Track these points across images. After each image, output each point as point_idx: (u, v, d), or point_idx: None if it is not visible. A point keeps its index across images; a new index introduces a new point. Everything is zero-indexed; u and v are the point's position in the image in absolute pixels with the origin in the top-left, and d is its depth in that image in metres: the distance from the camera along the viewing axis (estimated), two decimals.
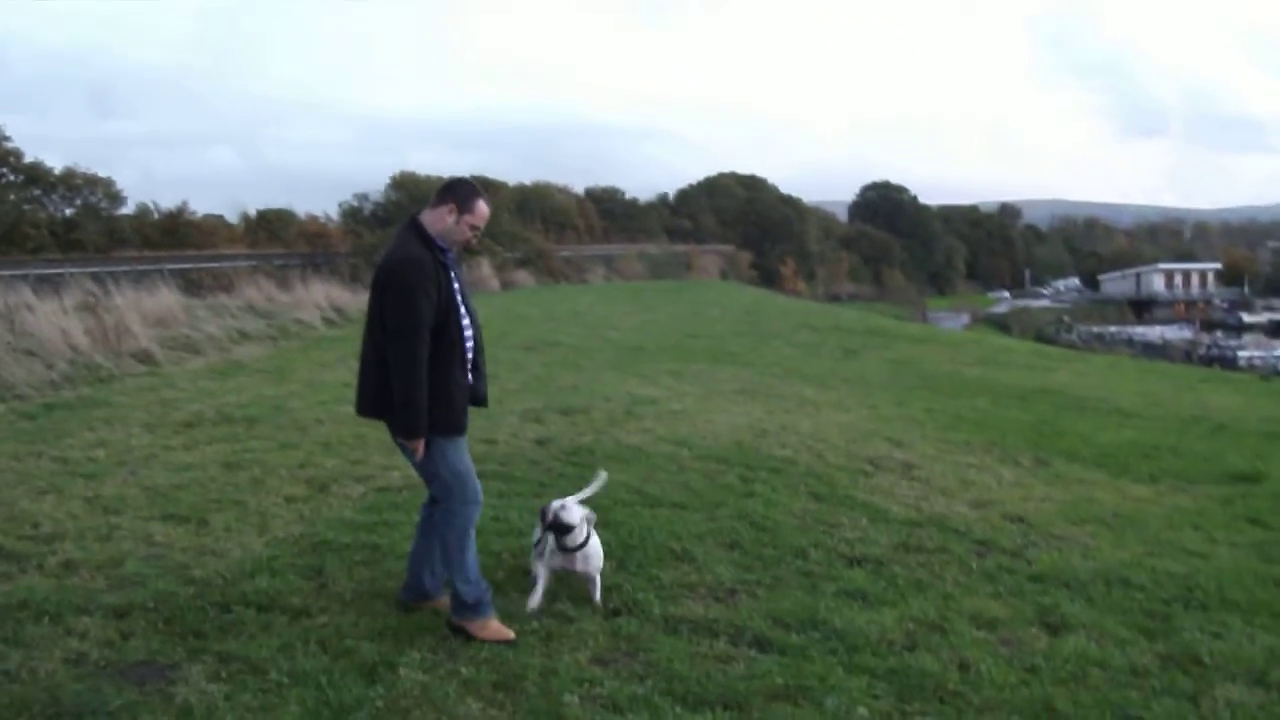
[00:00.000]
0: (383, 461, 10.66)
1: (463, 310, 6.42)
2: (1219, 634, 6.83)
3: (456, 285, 6.40)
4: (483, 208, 6.46)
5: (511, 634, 6.33)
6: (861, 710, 5.48)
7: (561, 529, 6.73)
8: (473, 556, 6.46)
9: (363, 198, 60.71)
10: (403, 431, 6.21)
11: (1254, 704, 5.78)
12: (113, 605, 6.60)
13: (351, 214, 60.13)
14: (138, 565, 7.41)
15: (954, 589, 7.48)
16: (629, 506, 9.13)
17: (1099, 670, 6.14)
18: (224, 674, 5.65)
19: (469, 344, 6.50)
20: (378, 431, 11.90)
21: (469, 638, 6.24)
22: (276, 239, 54.58)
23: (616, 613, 6.73)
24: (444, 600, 6.61)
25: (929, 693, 5.74)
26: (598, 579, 6.93)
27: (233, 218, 61.70)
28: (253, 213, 59.93)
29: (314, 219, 60.35)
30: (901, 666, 6.01)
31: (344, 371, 18.41)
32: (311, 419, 13.16)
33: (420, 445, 6.23)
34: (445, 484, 6.38)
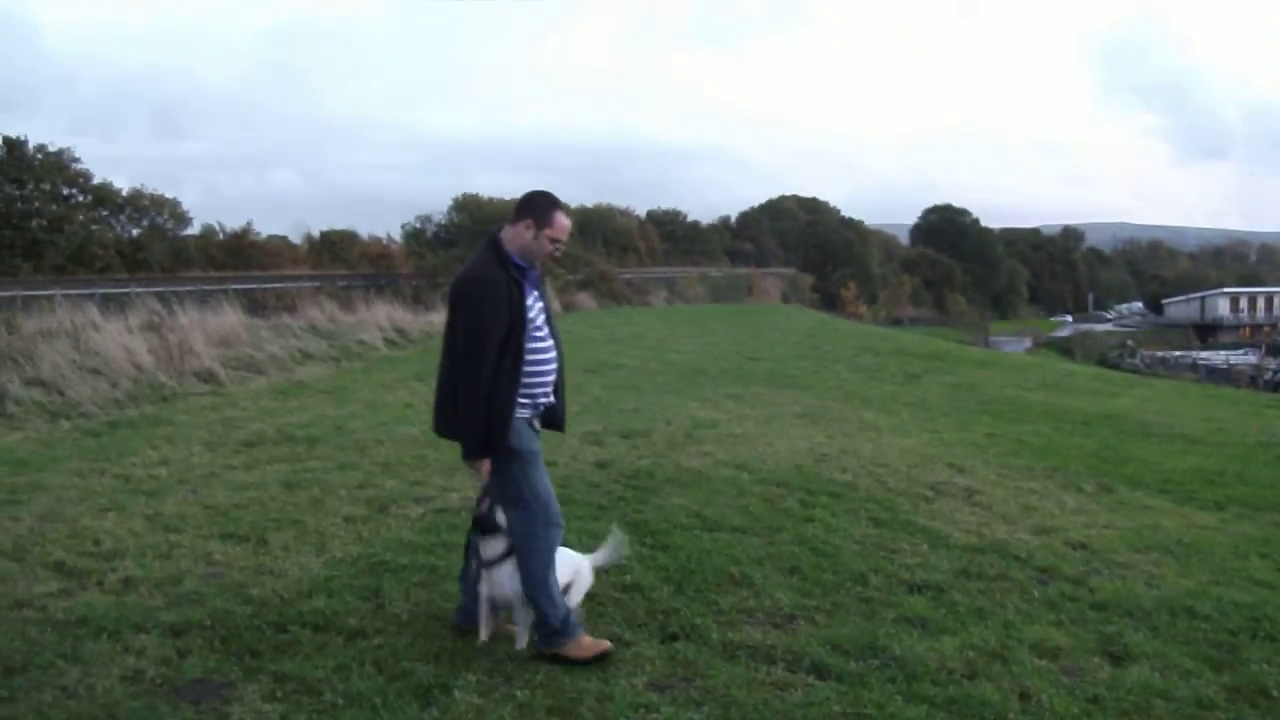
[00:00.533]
0: (442, 483, 10.71)
1: (544, 330, 6.40)
2: None
3: (539, 304, 6.40)
4: (562, 220, 6.41)
5: (608, 644, 6.37)
6: None
7: (487, 526, 6.51)
8: (554, 579, 6.44)
9: (425, 219, 61.36)
10: (466, 452, 6.21)
11: None
12: (170, 623, 6.68)
13: (414, 235, 60.69)
14: (196, 583, 7.49)
15: (1015, 616, 7.39)
16: (688, 530, 9.11)
17: (1163, 702, 6.03)
18: (279, 694, 5.69)
19: (549, 365, 6.46)
20: (438, 452, 12.01)
21: (569, 662, 6.23)
22: (340, 260, 54.93)
23: (674, 637, 6.73)
24: (503, 623, 6.59)
25: None
26: (520, 614, 6.58)
27: (296, 239, 62.21)
28: (316, 234, 60.44)
29: (377, 240, 60.83)
30: (961, 695, 5.95)
31: (404, 393, 18.50)
32: (372, 439, 13.21)
33: (484, 466, 6.23)
34: (522, 507, 6.35)
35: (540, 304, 6.41)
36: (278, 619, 6.75)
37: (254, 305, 31.25)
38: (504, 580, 6.46)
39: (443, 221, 60.23)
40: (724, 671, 6.20)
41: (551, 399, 6.56)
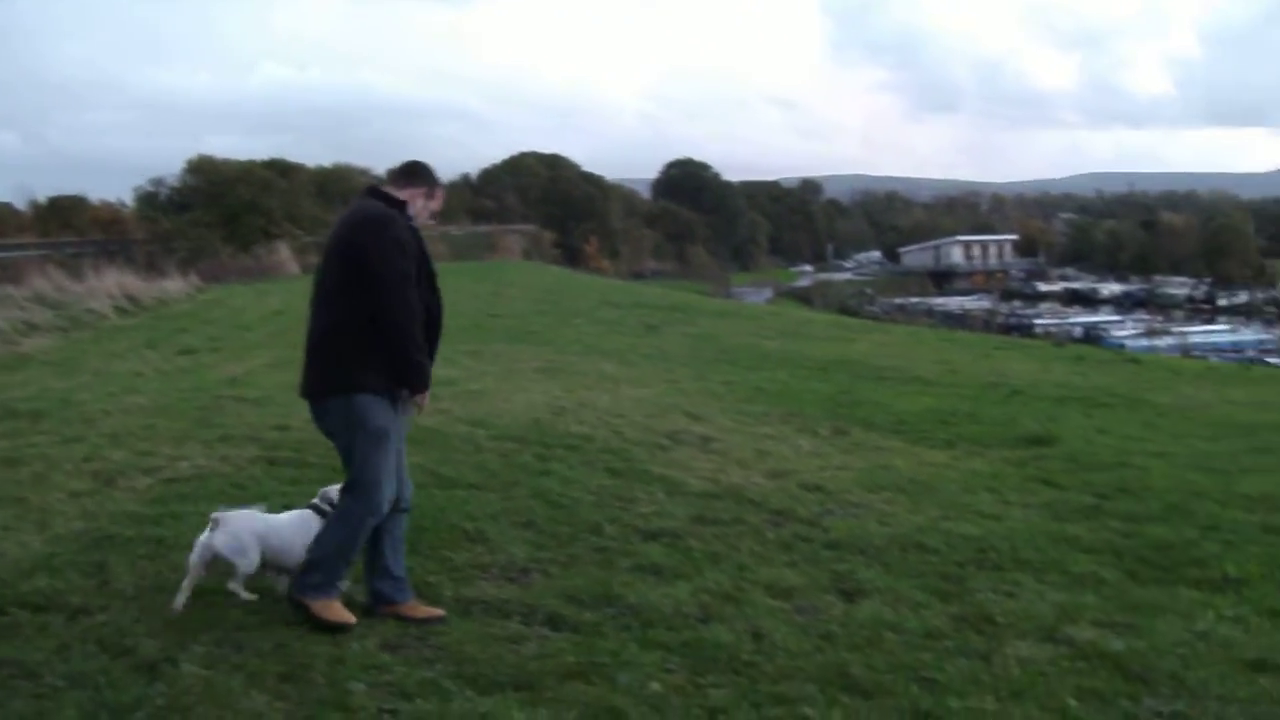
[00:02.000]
0: (171, 452, 10.34)
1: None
2: (1011, 593, 6.89)
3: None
4: (442, 193, 6.47)
5: (352, 619, 6.14)
6: (655, 685, 5.40)
7: None
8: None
9: (158, 183, 59.78)
10: (416, 384, 6.13)
11: (1044, 659, 5.81)
12: None
13: (147, 200, 59.11)
14: None
15: (750, 559, 7.44)
16: (422, 489, 8.89)
17: (893, 634, 6.12)
18: None
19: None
20: (168, 420, 11.63)
21: (309, 616, 6.06)
22: (69, 227, 53.22)
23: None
24: (409, 606, 6.38)
25: (723, 664, 5.67)
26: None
27: (20, 205, 60.09)
28: (43, 200, 58.46)
29: (108, 205, 59.16)
30: (695, 639, 5.95)
31: (136, 361, 18.03)
32: (99, 411, 12.68)
33: (425, 398, 6.24)
34: (352, 486, 6.22)
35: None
36: None
37: None
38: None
39: (176, 185, 58.61)
40: (458, 628, 6.11)
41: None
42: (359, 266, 5.95)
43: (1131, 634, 6.21)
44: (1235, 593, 7.00)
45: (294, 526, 6.58)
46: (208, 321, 26.02)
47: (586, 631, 6.09)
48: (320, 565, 6.14)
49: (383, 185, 6.38)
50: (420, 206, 6.32)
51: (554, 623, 6.22)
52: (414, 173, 6.38)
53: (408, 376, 6.08)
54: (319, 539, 6.23)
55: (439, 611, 6.34)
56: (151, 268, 37.21)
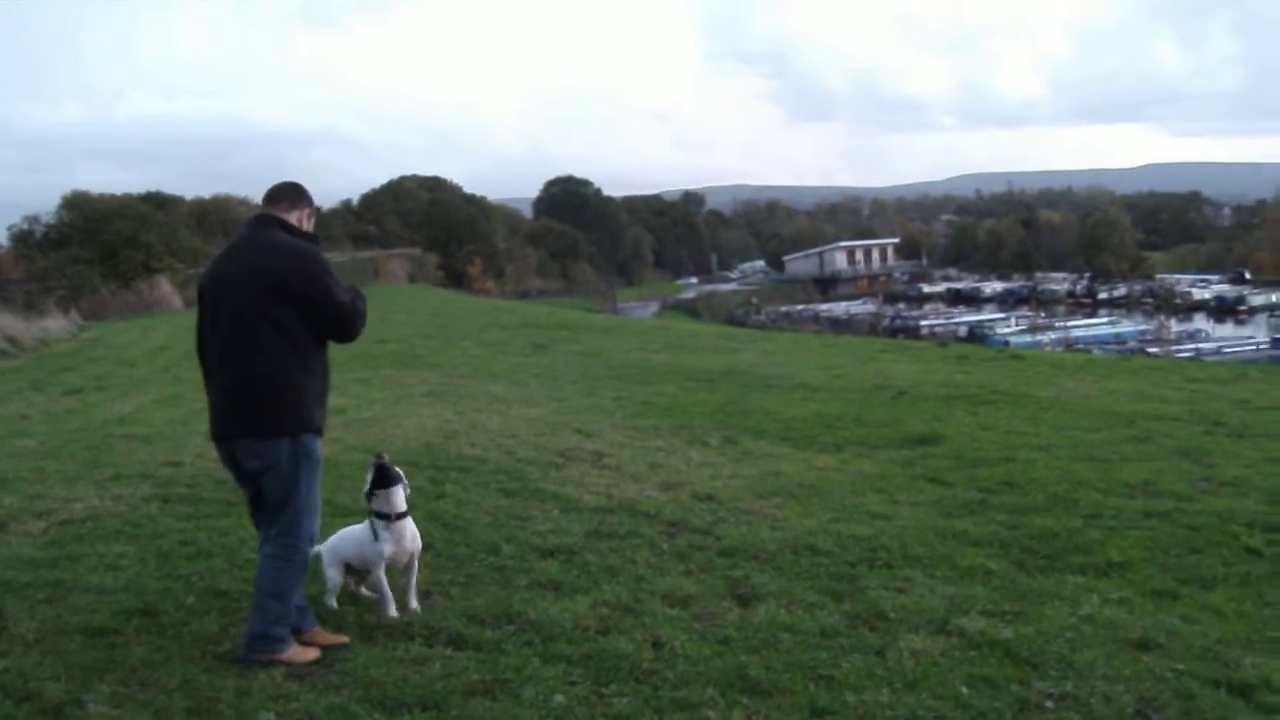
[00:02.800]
0: (64, 494, 10.28)
1: None
2: (903, 589, 7.04)
3: None
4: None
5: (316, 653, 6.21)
6: (559, 697, 5.50)
7: (390, 477, 6.75)
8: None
9: (33, 220, 58.81)
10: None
11: (936, 650, 5.97)
12: None
13: (22, 238, 58.19)
14: None
15: (646, 571, 7.55)
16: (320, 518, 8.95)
17: (789, 635, 6.25)
18: None
19: None
20: (57, 463, 11.51)
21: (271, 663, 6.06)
22: None
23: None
24: (313, 632, 6.43)
25: (625, 673, 5.78)
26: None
27: None
28: None
29: None
30: (596, 651, 6.04)
31: (20, 404, 17.76)
32: None
33: None
34: (293, 515, 6.22)
35: None
36: None
37: None
38: (412, 534, 6.83)
39: (52, 221, 57.80)
40: (362, 653, 6.16)
41: None
42: (301, 303, 6.02)
43: (1020, 621, 6.38)
44: (1120, 576, 7.21)
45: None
46: (92, 360, 25.73)
47: (489, 649, 6.15)
48: (269, 614, 6.16)
49: (272, 211, 6.33)
50: (309, 228, 6.38)
51: (457, 643, 6.29)
52: (301, 194, 6.41)
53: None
54: (264, 589, 6.23)
55: (343, 638, 6.38)
56: (30, 307, 36.68)
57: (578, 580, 7.35)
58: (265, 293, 6.00)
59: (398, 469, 6.86)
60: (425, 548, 8.08)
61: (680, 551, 8.00)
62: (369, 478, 6.78)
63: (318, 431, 6.22)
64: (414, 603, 6.79)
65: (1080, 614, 6.49)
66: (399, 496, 6.78)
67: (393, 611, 6.70)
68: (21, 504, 10.03)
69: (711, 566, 7.62)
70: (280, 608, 6.12)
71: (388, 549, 6.71)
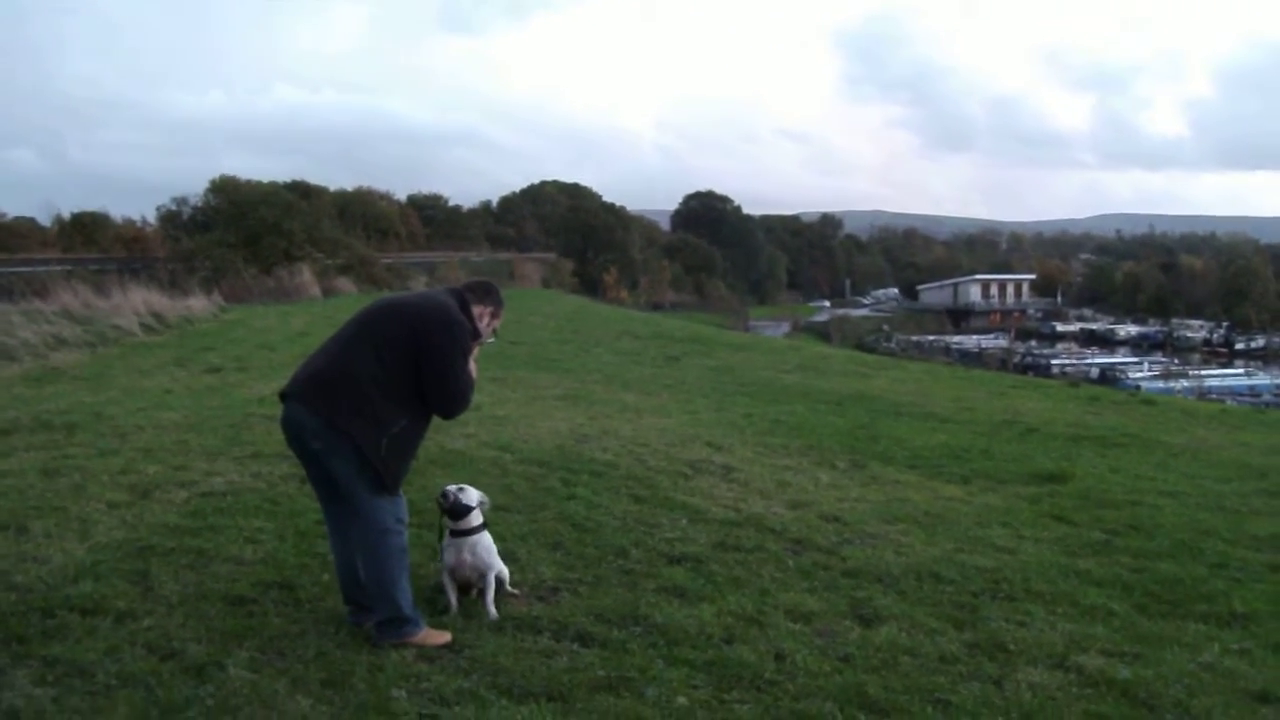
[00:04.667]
0: (205, 467, 10.56)
1: None
2: (1023, 622, 7.07)
3: None
4: (502, 315, 6.95)
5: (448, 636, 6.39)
6: (681, 699, 5.61)
7: (458, 511, 6.94)
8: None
9: (181, 201, 59.84)
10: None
11: (1054, 685, 6.01)
12: None
13: (170, 218, 59.19)
14: None
15: (770, 585, 7.64)
16: None
17: (909, 658, 6.32)
18: (50, 678, 5.57)
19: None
20: (200, 437, 11.85)
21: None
22: (92, 243, 53.49)
23: (443, 611, 6.80)
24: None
25: (746, 682, 5.88)
26: (490, 578, 6.96)
27: (45, 220, 60.36)
28: (66, 216, 58.74)
29: (130, 223, 59.33)
30: (719, 658, 6.15)
31: (164, 378, 18.16)
32: (132, 425, 12.90)
33: None
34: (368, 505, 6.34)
35: None
36: (44, 604, 6.56)
37: (0, 290, 30.24)
38: (478, 551, 6.90)
39: (199, 204, 58.70)
40: (491, 642, 6.29)
41: None
42: (424, 353, 6.27)
43: (1139, 664, 6.40)
44: (1242, 628, 7.19)
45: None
46: (232, 341, 26.20)
47: (614, 648, 6.27)
48: (386, 601, 6.32)
49: (465, 292, 6.71)
50: (485, 324, 6.72)
51: (583, 639, 6.42)
52: (490, 294, 6.80)
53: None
54: (372, 578, 6.39)
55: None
56: (175, 286, 37.30)
57: (703, 588, 7.45)
58: (405, 338, 6.29)
59: (464, 499, 7.04)
60: (554, 545, 8.27)
61: (805, 569, 8.07)
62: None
63: (388, 487, 6.35)
64: (492, 612, 6.79)
65: (1200, 661, 6.49)
66: (455, 518, 6.97)
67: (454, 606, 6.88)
68: (166, 473, 10.33)
69: (835, 585, 7.69)
70: (393, 593, 6.26)
71: (448, 558, 6.89)
